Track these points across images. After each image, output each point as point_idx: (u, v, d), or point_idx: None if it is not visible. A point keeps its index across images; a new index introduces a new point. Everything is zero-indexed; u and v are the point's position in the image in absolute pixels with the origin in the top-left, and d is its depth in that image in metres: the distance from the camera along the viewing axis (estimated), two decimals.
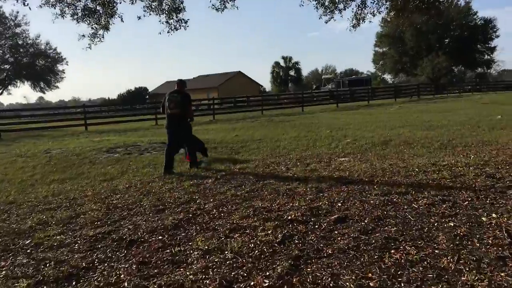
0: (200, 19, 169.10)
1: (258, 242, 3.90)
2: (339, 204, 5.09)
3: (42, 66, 56.93)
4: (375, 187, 5.86)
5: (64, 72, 58.84)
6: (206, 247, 3.87)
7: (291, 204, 5.21)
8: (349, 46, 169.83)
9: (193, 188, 6.57)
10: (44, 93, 64.33)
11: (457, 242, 3.71)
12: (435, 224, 4.20)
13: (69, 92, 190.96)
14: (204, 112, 26.05)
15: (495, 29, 57.85)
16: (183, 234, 4.36)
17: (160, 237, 4.27)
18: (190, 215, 5.03)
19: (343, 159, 8.52)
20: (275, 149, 10.51)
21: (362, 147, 9.96)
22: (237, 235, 4.21)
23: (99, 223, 4.97)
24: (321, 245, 3.80)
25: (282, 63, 72.55)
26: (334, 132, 13.25)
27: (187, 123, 8.36)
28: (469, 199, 5.01)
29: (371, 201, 5.12)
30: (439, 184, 5.80)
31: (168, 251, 3.87)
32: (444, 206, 4.78)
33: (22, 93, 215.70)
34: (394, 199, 5.17)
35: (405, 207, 4.84)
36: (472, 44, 57.81)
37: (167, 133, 8.43)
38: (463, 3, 57.65)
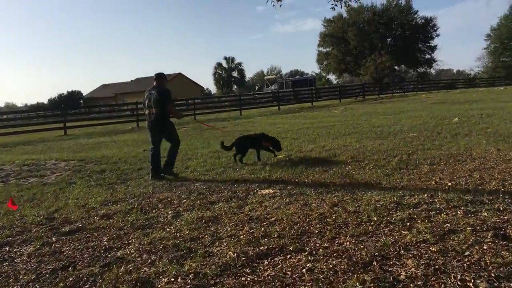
0: (137, 20, 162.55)
1: None
2: None
3: None
4: (305, 271, 3.10)
5: None
6: None
7: None
8: (295, 48, 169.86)
9: None
10: None
11: None
12: None
13: (9, 97, 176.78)
14: (127, 119, 22.49)
15: (435, 28, 58.29)
16: None
17: None
18: None
19: (266, 191, 5.76)
20: (180, 173, 7.60)
21: (297, 167, 7.27)
22: None
23: None
24: None
25: (224, 64, 69.53)
26: None
27: (169, 123, 7.30)
28: None
29: None
30: (420, 259, 3.15)
31: None
32: None
33: None
34: None
35: None
36: (414, 43, 57.92)
37: (150, 135, 7.48)
38: (403, 2, 57.65)
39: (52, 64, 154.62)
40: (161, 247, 3.83)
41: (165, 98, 7.11)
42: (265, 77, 59.14)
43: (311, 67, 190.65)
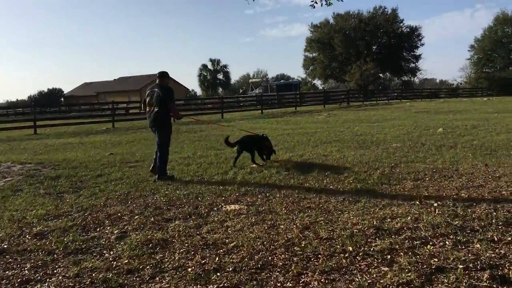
0: (122, 18, 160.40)
1: None
2: None
3: None
4: None
5: None
6: None
7: None
8: (282, 52, 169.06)
9: None
10: None
11: None
12: None
13: None
14: (104, 119, 21.51)
15: (420, 37, 58.49)
16: None
17: None
18: None
19: (232, 207, 5.11)
20: (139, 183, 6.88)
21: (270, 179, 6.64)
22: None
23: None
24: None
25: (209, 65, 68.58)
26: None
27: (168, 124, 7.05)
28: None
29: None
30: None
31: None
32: None
33: None
34: None
35: None
36: (399, 51, 57.99)
37: (153, 132, 7.24)
38: (389, 10, 57.74)
39: (35, 60, 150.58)
40: (87, 282, 3.13)
41: (169, 96, 6.91)
42: (250, 80, 58.42)
43: (297, 72, 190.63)
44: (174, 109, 7.13)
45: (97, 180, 7.14)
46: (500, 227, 3.97)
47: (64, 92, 71.78)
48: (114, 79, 69.01)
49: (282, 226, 4.26)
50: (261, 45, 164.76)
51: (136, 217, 4.85)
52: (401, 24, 58.28)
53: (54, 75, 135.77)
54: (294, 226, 4.25)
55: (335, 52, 58.90)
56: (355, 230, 3.99)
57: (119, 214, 4.98)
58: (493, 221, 4.13)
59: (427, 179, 6.22)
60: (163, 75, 7.15)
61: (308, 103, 34.04)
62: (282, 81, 53.89)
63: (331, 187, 6.00)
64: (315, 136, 12.28)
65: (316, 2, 6.92)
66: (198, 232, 4.21)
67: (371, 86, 55.53)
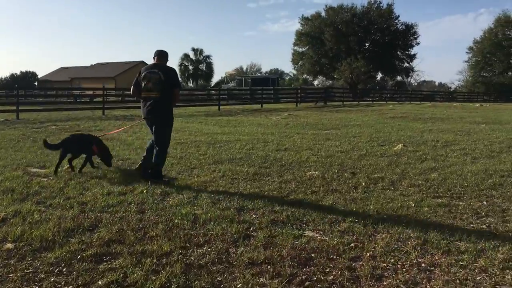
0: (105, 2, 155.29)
1: None
2: None
3: None
4: None
5: None
6: None
7: None
8: (281, 48, 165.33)
9: None
10: None
11: None
12: None
13: None
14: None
15: (415, 36, 54.75)
16: None
17: None
18: None
19: None
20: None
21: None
22: None
23: None
24: None
25: (192, 55, 64.47)
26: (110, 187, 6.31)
27: (169, 116, 5.72)
28: None
29: None
30: None
31: None
32: None
33: None
34: None
35: None
36: (392, 49, 54.32)
37: (147, 125, 5.95)
38: (385, 5, 54.00)
39: (10, 41, 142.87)
40: None
41: (173, 80, 5.68)
42: (225, 72, 54.54)
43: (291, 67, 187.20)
44: (178, 95, 5.85)
45: None
46: None
47: (39, 76, 68.04)
48: (91, 65, 65.27)
49: None
50: (262, 40, 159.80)
51: None
52: (396, 21, 54.57)
53: (29, 57, 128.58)
54: None
55: (325, 48, 55.15)
56: None
57: None
58: None
59: None
60: (163, 54, 5.80)
61: (283, 100, 30.55)
62: (258, 74, 49.93)
63: None
64: (217, 150, 8.72)
65: None
66: None
67: (362, 85, 51.89)
